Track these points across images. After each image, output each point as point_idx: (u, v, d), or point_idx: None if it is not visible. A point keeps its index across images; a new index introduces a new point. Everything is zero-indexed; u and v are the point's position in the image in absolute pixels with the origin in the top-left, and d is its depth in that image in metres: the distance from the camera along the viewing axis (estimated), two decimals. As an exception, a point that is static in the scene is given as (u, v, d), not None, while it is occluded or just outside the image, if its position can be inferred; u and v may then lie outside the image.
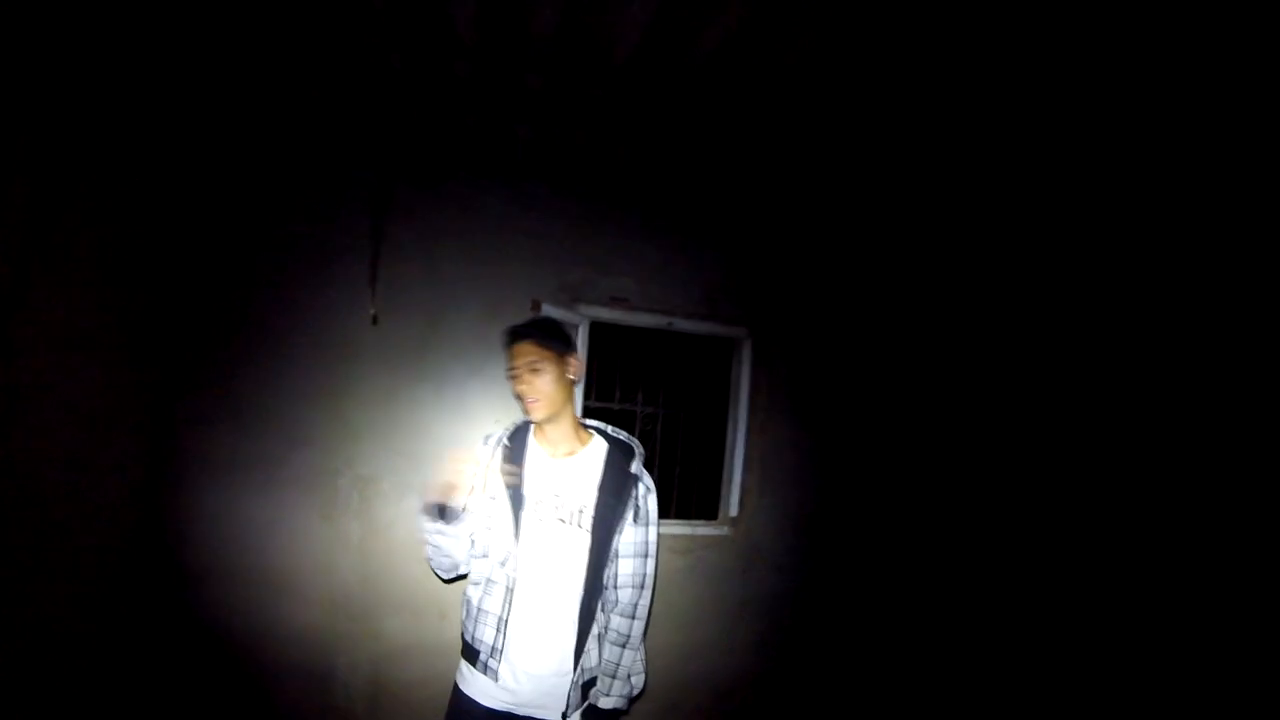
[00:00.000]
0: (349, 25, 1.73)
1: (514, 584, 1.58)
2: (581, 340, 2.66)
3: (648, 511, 1.67)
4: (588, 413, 2.72)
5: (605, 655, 1.64)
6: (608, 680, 1.63)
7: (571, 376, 1.67)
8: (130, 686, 2.15)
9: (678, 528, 2.77)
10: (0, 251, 1.47)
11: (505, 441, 1.68)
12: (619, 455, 1.68)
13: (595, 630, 1.63)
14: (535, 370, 1.61)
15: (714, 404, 2.96)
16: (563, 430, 1.68)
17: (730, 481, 2.91)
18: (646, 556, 1.66)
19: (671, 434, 2.93)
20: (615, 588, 1.64)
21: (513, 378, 1.64)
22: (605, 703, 1.63)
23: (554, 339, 1.66)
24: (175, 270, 2.20)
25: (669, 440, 2.93)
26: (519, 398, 1.65)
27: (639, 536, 1.66)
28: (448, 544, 1.61)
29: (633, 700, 1.70)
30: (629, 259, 2.68)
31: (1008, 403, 3.03)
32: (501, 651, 1.57)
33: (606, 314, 2.70)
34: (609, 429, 1.75)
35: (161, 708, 2.20)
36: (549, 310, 2.50)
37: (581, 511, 1.63)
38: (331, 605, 2.35)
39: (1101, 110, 1.87)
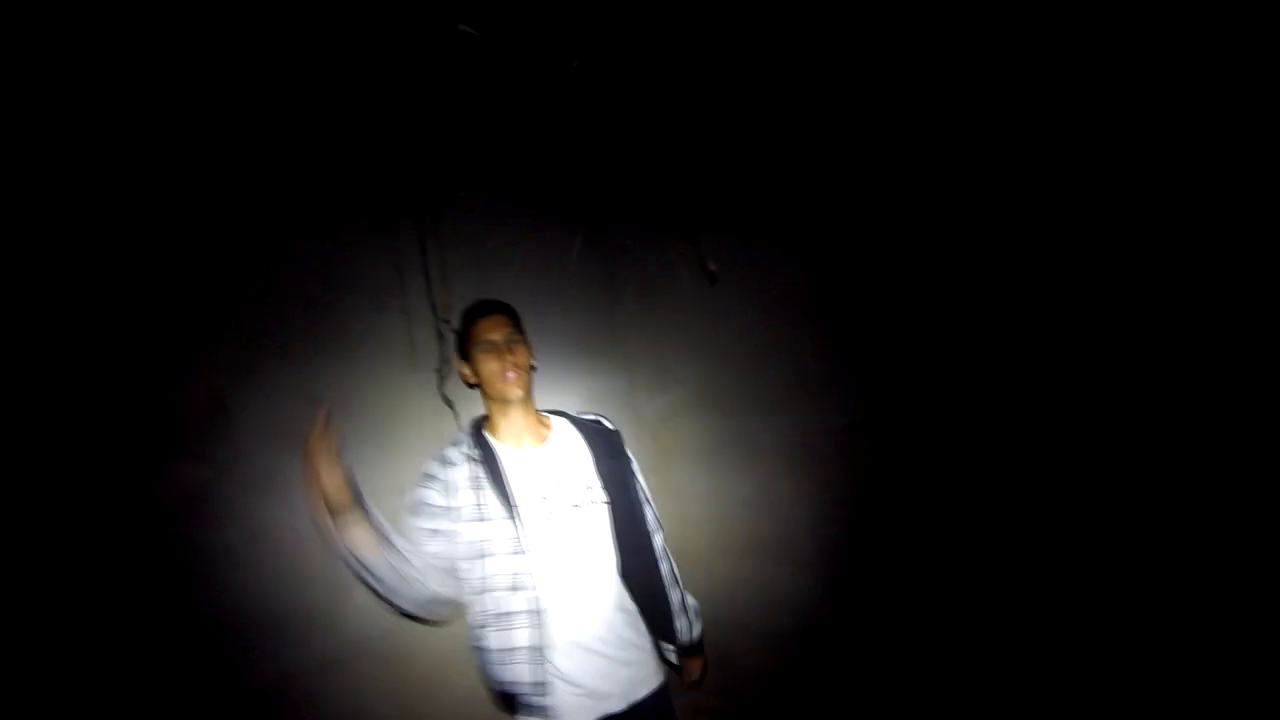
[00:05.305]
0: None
1: (539, 604, 1.39)
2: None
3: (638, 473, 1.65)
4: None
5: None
6: (683, 621, 1.59)
7: (533, 363, 1.59)
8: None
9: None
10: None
11: (472, 453, 1.48)
12: (593, 431, 1.60)
13: (676, 599, 1.58)
14: (516, 342, 1.53)
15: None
16: (530, 418, 1.56)
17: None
18: (647, 502, 1.63)
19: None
20: None
21: (486, 352, 1.50)
22: (695, 635, 1.63)
23: (520, 321, 1.59)
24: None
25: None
26: (488, 381, 1.51)
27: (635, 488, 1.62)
28: (397, 562, 1.35)
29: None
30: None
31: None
32: (545, 685, 1.37)
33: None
34: (567, 411, 1.64)
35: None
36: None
37: (590, 488, 1.52)
38: (827, 569, 2.14)
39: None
